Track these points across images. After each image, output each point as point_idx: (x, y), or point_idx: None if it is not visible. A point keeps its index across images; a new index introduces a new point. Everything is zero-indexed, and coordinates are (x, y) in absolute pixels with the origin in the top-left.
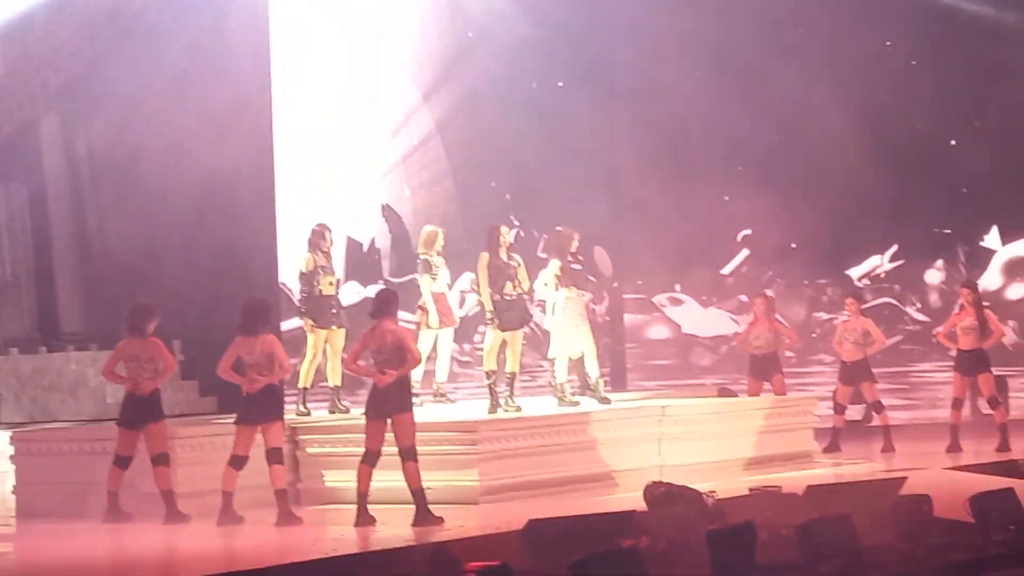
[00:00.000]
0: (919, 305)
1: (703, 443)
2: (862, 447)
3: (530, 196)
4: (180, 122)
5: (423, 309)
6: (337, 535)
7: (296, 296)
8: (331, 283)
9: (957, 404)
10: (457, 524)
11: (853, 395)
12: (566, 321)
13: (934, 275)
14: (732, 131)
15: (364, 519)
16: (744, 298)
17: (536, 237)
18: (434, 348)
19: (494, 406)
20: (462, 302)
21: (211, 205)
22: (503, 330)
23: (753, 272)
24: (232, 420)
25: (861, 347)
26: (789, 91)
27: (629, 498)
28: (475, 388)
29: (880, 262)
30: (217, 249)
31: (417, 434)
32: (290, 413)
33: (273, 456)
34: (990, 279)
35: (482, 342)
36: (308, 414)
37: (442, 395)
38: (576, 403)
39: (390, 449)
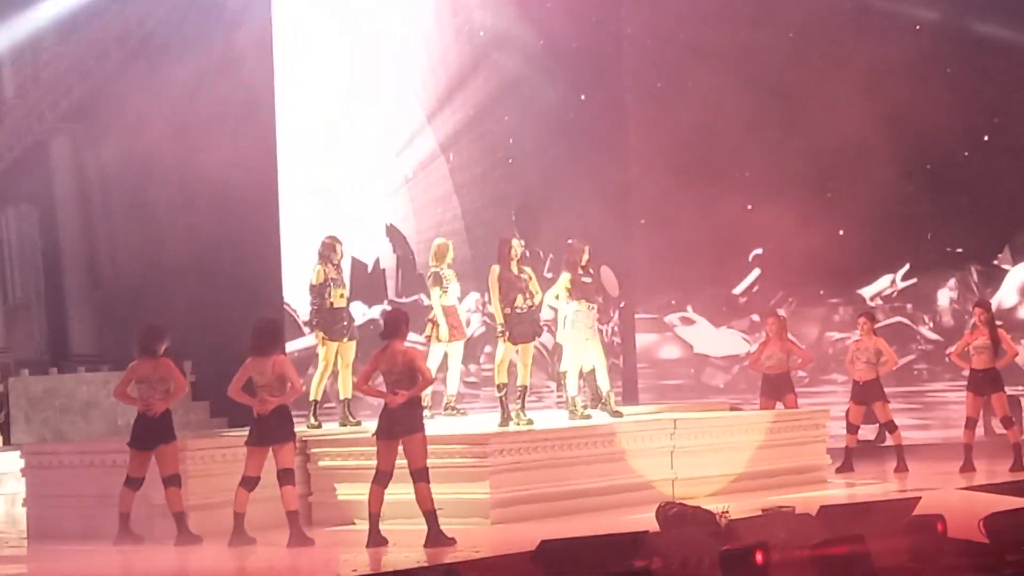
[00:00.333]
0: (931, 324)
1: (715, 456)
2: (875, 467)
3: (536, 215)
4: (188, 142)
5: (433, 322)
6: (349, 556)
7: (302, 313)
8: (342, 295)
9: (970, 424)
10: (470, 547)
11: (866, 415)
12: (576, 334)
13: (946, 294)
14: (746, 149)
15: (376, 540)
16: (756, 318)
17: (542, 257)
18: (444, 362)
19: (505, 419)
20: (468, 322)
21: (221, 225)
22: (514, 343)
23: (765, 291)
24: (244, 433)
25: (873, 367)
26: (798, 107)
27: (641, 519)
28: (481, 407)
29: (892, 281)
30: (227, 269)
31: (428, 447)
32: (300, 425)
33: (285, 477)
34: (1003, 298)
35: (487, 362)
36: (319, 426)
37: (454, 408)
38: (588, 416)
39: (403, 461)
